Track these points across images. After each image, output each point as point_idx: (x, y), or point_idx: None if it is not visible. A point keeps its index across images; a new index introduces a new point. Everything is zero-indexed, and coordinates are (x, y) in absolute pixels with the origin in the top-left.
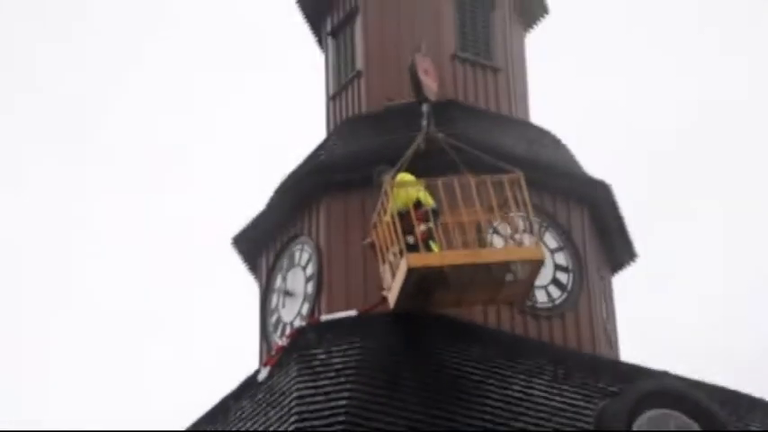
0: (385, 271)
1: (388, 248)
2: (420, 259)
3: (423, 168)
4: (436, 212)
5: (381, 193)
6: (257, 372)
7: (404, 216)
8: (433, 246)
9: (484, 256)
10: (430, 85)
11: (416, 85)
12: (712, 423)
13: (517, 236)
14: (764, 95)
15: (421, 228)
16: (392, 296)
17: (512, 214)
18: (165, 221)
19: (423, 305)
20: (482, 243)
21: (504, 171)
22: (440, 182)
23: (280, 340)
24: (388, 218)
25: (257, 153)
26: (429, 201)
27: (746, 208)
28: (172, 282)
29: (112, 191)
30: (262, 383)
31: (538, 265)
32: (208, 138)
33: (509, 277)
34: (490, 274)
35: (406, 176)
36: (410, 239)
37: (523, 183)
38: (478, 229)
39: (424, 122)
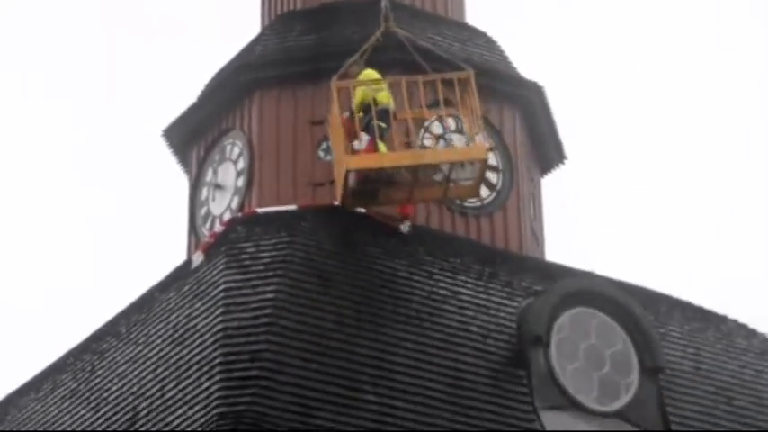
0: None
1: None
2: (359, 161)
3: (377, 64)
4: (387, 112)
5: (332, 90)
6: (190, 259)
7: (359, 114)
8: (381, 146)
9: (425, 157)
10: None
11: None
12: (632, 323)
13: (456, 136)
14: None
15: (363, 138)
16: (337, 194)
17: (455, 113)
18: (97, 113)
19: (370, 203)
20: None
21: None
22: (403, 80)
23: (213, 229)
24: (336, 118)
25: (191, 45)
26: (389, 100)
27: (679, 109)
28: (101, 172)
29: (40, 86)
30: (190, 275)
31: (482, 164)
32: (141, 28)
33: (454, 176)
34: (434, 175)
35: (369, 73)
36: (361, 139)
37: (473, 81)
38: (423, 129)
39: (383, 17)
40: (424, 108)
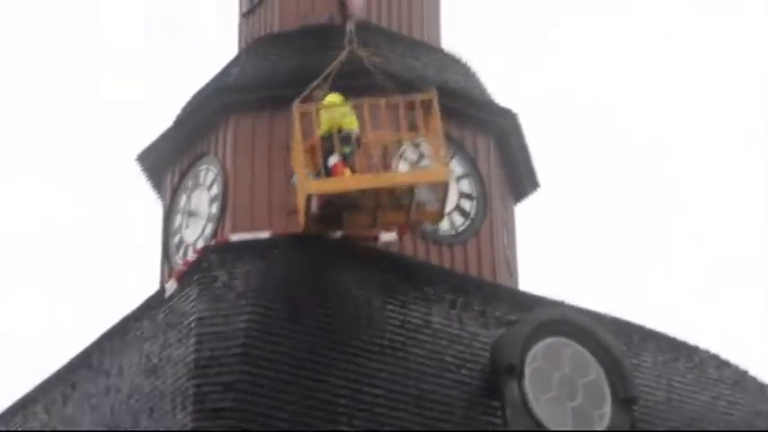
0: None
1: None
2: (320, 185)
3: (342, 88)
4: (349, 136)
5: (294, 116)
6: (163, 288)
7: (325, 140)
8: (347, 171)
9: (387, 180)
10: (356, 1)
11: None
12: (605, 353)
13: (425, 160)
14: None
15: (331, 159)
16: (299, 220)
17: (419, 137)
18: (72, 135)
19: (334, 228)
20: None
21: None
22: (365, 103)
23: (187, 257)
24: (298, 143)
25: (167, 69)
26: (353, 125)
27: (652, 136)
28: (76, 197)
29: (19, 100)
30: (163, 304)
31: (444, 186)
32: (118, 51)
33: (417, 199)
34: (397, 198)
35: (333, 97)
36: (331, 160)
37: (436, 103)
38: (385, 152)
39: (348, 40)
40: (387, 131)
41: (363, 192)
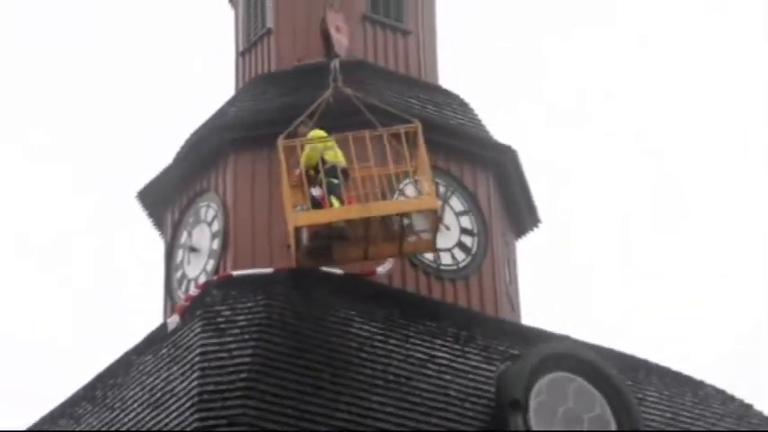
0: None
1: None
2: (306, 217)
3: (332, 126)
4: (340, 170)
5: (279, 151)
6: (165, 323)
7: (310, 173)
8: (334, 202)
9: (374, 210)
10: (341, 40)
11: (327, 39)
12: (610, 387)
13: (409, 191)
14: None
15: (313, 191)
16: (291, 253)
17: (407, 169)
18: (72, 171)
19: (325, 261)
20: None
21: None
22: (350, 136)
23: (189, 292)
24: (285, 177)
25: (166, 107)
26: (338, 158)
27: (653, 168)
28: (77, 233)
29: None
30: (166, 338)
31: (433, 214)
32: (117, 89)
33: (407, 228)
34: (386, 228)
35: (317, 133)
36: (314, 192)
37: (420, 133)
38: (382, 186)
39: (333, 78)
40: (372, 164)
41: (351, 222)
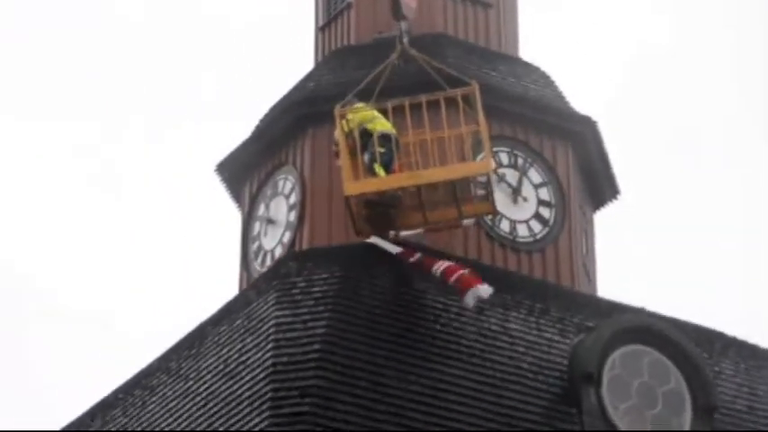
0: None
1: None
2: (357, 186)
3: (395, 90)
4: (388, 137)
5: (337, 120)
6: (242, 294)
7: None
8: (378, 170)
9: (425, 177)
10: (409, 3)
11: (395, 2)
12: (686, 361)
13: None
14: None
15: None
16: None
17: (464, 132)
18: (155, 148)
19: (384, 229)
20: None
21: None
22: (407, 101)
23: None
24: (343, 145)
25: (245, 81)
26: (386, 126)
27: (733, 141)
28: (157, 206)
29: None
30: (240, 309)
31: (487, 178)
32: (201, 65)
33: (465, 192)
34: (440, 194)
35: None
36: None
37: (479, 95)
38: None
39: (399, 39)
40: (427, 129)
41: (403, 190)
